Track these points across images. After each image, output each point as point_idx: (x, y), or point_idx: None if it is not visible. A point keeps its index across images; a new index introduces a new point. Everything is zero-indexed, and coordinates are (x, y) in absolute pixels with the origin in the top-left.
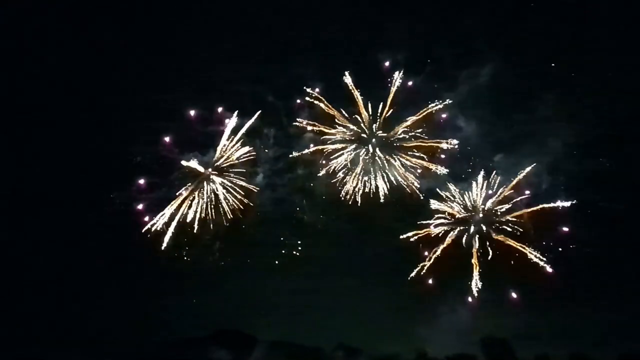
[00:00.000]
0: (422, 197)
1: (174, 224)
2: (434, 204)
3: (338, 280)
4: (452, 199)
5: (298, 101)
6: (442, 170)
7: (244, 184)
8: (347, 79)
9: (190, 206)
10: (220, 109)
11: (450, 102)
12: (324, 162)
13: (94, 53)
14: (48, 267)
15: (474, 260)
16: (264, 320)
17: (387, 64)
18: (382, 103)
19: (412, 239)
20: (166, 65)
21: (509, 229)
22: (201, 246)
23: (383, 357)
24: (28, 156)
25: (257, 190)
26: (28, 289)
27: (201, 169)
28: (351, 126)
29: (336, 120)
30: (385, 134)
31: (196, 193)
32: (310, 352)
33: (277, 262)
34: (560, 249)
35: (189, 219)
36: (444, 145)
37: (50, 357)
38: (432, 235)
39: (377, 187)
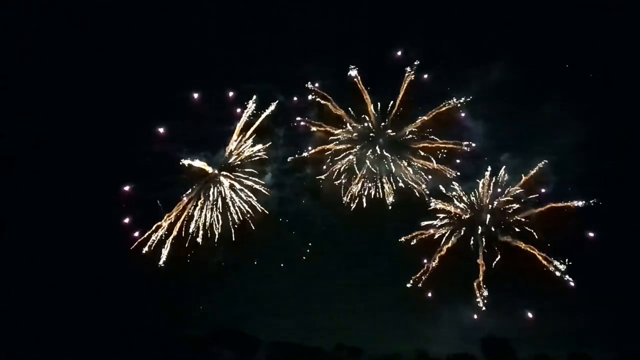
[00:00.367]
0: (428, 199)
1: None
2: (438, 204)
3: (338, 280)
4: (458, 199)
5: (309, 97)
6: (452, 173)
7: (254, 185)
8: (353, 73)
9: (192, 214)
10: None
11: (462, 101)
12: (329, 162)
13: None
14: (48, 268)
15: (480, 261)
16: (265, 320)
17: (396, 62)
18: (392, 102)
19: (414, 240)
20: (170, 61)
21: (517, 229)
22: (202, 248)
23: (383, 357)
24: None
25: (266, 191)
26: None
27: (209, 169)
28: (359, 126)
29: (343, 119)
30: (393, 133)
31: (200, 198)
32: (311, 352)
33: (277, 262)
34: (568, 248)
35: (191, 226)
36: (460, 147)
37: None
38: (437, 236)
39: (383, 188)
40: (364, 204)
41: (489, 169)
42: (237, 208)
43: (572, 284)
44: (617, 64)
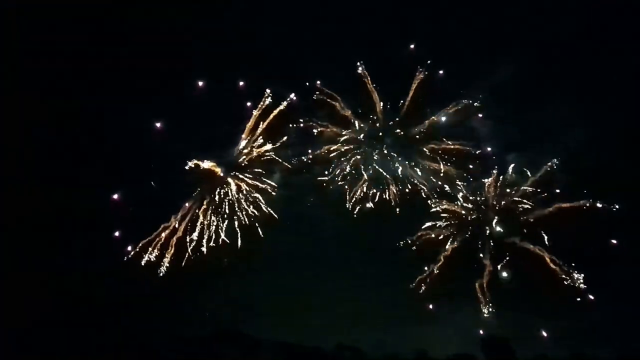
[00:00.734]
0: (434, 199)
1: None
2: (444, 205)
3: (338, 281)
4: (465, 199)
5: (317, 96)
6: (459, 174)
7: (261, 184)
8: (362, 72)
9: (197, 217)
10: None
11: (470, 102)
12: (336, 162)
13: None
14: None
15: (486, 261)
16: (265, 320)
17: (406, 62)
18: (401, 102)
19: (419, 241)
20: (173, 58)
21: (524, 230)
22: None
23: (383, 357)
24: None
25: (273, 192)
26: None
27: (218, 170)
28: (366, 127)
29: (351, 119)
30: (402, 133)
31: (205, 200)
32: (311, 352)
33: (278, 262)
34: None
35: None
36: (468, 149)
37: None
38: (441, 237)
39: (388, 189)
40: (369, 205)
41: (496, 168)
42: (243, 211)
43: (582, 286)
44: (629, 62)
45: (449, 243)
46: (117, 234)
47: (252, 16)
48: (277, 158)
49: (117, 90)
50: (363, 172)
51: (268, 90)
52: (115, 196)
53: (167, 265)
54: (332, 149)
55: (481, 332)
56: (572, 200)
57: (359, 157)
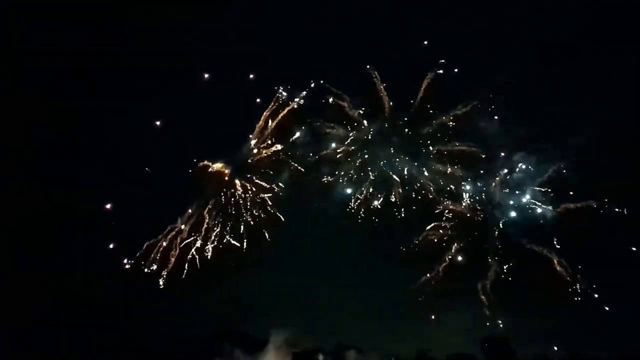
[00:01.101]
0: (442, 200)
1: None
2: (450, 205)
3: (340, 280)
4: (471, 199)
5: (326, 97)
6: (465, 174)
7: (272, 186)
8: (371, 72)
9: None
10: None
11: (478, 103)
12: (343, 162)
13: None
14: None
15: (491, 262)
16: (266, 320)
17: (415, 62)
18: (410, 102)
19: (424, 242)
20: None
21: (531, 230)
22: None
23: (383, 357)
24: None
25: (279, 192)
26: None
27: (227, 171)
28: (372, 127)
29: (359, 119)
30: (409, 134)
31: (211, 204)
32: (311, 352)
33: (279, 262)
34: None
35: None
36: (476, 150)
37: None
38: (446, 238)
39: (394, 189)
40: (375, 205)
41: (503, 169)
42: (249, 212)
43: (596, 295)
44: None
45: (454, 244)
46: (111, 245)
47: (253, 16)
48: (285, 158)
49: (117, 91)
50: (369, 173)
51: (281, 89)
52: (108, 206)
53: (171, 266)
54: (338, 149)
55: (481, 332)
56: (580, 200)
57: (366, 156)
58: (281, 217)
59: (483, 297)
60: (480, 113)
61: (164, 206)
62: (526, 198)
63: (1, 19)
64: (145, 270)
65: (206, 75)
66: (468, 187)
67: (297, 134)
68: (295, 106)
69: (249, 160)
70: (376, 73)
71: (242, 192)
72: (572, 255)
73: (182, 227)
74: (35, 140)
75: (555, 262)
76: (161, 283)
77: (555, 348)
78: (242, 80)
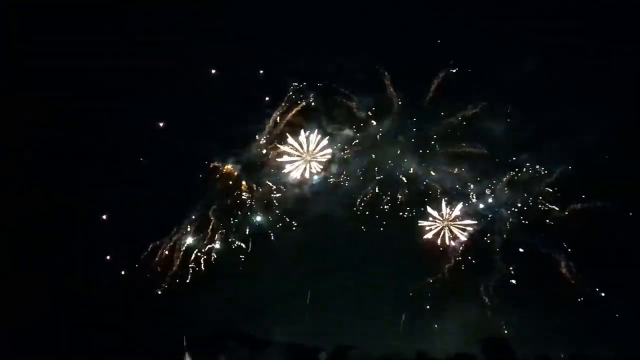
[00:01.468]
0: (449, 200)
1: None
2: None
3: (341, 280)
4: (476, 199)
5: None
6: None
7: (279, 186)
8: (382, 72)
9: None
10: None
11: (485, 103)
12: (349, 162)
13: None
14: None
15: (496, 262)
16: (265, 321)
17: (424, 63)
18: (417, 102)
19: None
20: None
21: (535, 230)
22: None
23: (383, 357)
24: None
25: (285, 193)
26: None
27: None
28: (380, 128)
29: (367, 119)
30: (417, 134)
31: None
32: (310, 352)
33: (280, 262)
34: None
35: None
36: (483, 152)
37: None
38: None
39: (400, 189)
40: (379, 205)
41: (510, 169)
42: (255, 213)
43: (602, 294)
44: None
45: (459, 245)
46: (108, 258)
47: (261, 15)
48: (292, 158)
49: (117, 90)
50: (376, 173)
51: (291, 89)
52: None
53: (175, 268)
54: (346, 149)
55: (482, 332)
56: (585, 201)
57: (373, 156)
58: (286, 216)
59: (485, 298)
60: (489, 113)
61: (169, 207)
62: (532, 198)
63: (1, 19)
64: (150, 271)
65: (213, 72)
66: (474, 188)
67: (305, 134)
68: (304, 105)
69: (255, 160)
70: (386, 73)
71: (248, 193)
72: (578, 255)
73: (188, 227)
74: (35, 140)
75: (562, 263)
76: (165, 283)
77: (556, 348)
78: (250, 80)
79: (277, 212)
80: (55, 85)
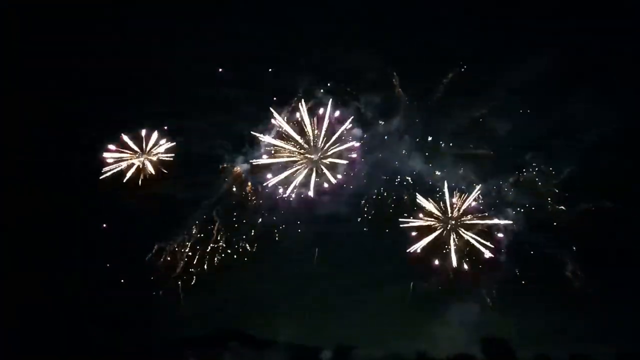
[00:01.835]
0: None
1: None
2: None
3: (342, 281)
4: (478, 199)
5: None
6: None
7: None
8: (390, 71)
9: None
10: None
11: (492, 103)
12: (355, 162)
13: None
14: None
15: (500, 262)
16: (266, 321)
17: (431, 63)
18: (423, 102)
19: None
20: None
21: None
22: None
23: (383, 357)
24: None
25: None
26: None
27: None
28: (388, 128)
29: (374, 119)
30: (424, 133)
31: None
32: (310, 352)
33: (281, 262)
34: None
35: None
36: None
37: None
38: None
39: (405, 189)
40: (384, 205)
41: (516, 168)
42: (258, 215)
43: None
44: None
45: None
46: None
47: (266, 16)
48: (297, 159)
49: (117, 91)
50: (380, 173)
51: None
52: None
53: (179, 269)
54: (352, 149)
55: (482, 332)
56: (589, 201)
57: (380, 156)
58: (291, 218)
59: (487, 299)
60: (496, 114)
61: (173, 208)
62: (537, 197)
63: (1, 19)
64: (154, 272)
65: (220, 70)
66: (480, 187)
67: (313, 134)
68: (311, 105)
69: (260, 162)
70: (395, 74)
71: (253, 194)
72: (583, 256)
73: (193, 228)
74: (35, 140)
75: (568, 263)
76: (169, 283)
77: (556, 348)
78: (257, 81)
79: (282, 212)
80: (55, 85)
